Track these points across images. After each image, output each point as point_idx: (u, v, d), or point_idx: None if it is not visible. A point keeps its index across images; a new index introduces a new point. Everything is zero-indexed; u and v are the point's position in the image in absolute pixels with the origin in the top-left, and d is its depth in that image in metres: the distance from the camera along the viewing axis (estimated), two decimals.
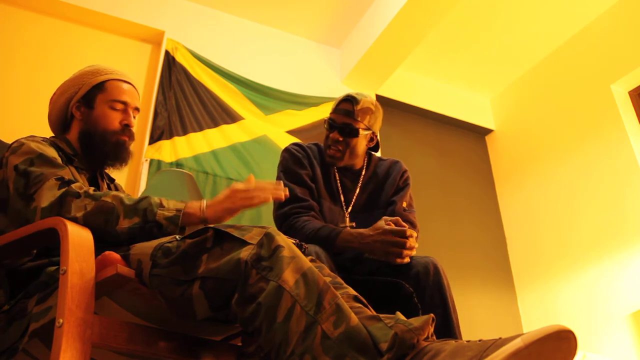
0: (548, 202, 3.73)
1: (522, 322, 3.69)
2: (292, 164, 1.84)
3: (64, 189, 1.17)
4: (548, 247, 3.65)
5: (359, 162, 1.91)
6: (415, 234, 1.57)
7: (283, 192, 1.26)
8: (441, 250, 3.66)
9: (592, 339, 3.17)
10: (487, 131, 4.41)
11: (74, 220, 1.12)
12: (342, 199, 1.86)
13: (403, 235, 1.55)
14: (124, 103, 1.46)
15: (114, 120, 1.44)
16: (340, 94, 3.69)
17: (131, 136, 1.47)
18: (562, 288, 3.47)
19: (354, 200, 1.87)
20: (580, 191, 3.52)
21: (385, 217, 1.62)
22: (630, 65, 3.38)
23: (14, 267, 1.22)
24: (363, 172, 1.91)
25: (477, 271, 3.77)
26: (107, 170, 1.53)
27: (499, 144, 4.32)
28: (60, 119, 1.48)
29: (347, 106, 1.81)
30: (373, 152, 1.98)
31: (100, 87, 1.45)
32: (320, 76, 3.81)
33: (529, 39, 3.88)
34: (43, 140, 1.37)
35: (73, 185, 1.19)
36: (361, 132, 1.80)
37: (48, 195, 1.16)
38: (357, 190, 1.88)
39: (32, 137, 1.35)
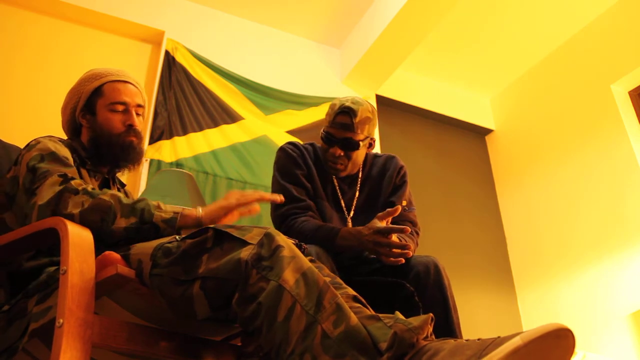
0: (548, 202, 3.73)
1: (522, 323, 3.69)
2: (287, 163, 1.81)
3: (63, 186, 1.18)
4: (548, 247, 3.66)
5: (358, 167, 1.88)
6: (408, 230, 1.53)
7: (278, 197, 1.28)
8: (441, 250, 3.67)
9: (592, 339, 3.17)
10: (487, 131, 4.42)
11: (70, 217, 1.12)
12: (343, 204, 1.83)
13: (392, 232, 1.53)
14: (124, 103, 1.45)
15: (117, 122, 1.44)
16: (340, 94, 3.73)
17: (137, 135, 1.47)
18: (562, 288, 3.47)
19: (354, 203, 1.84)
20: (580, 191, 3.52)
21: (378, 215, 1.60)
22: (630, 65, 3.39)
23: (15, 267, 1.22)
24: (360, 175, 1.88)
25: (477, 271, 3.77)
26: (119, 174, 1.53)
27: (499, 144, 4.32)
28: (71, 127, 1.50)
29: (346, 119, 1.73)
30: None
31: (98, 92, 1.45)
32: (320, 76, 3.81)
33: (529, 39, 3.89)
34: (60, 141, 1.38)
35: (73, 182, 1.19)
36: (361, 143, 1.76)
37: (48, 191, 1.17)
38: (357, 194, 1.85)
39: (50, 137, 1.37)
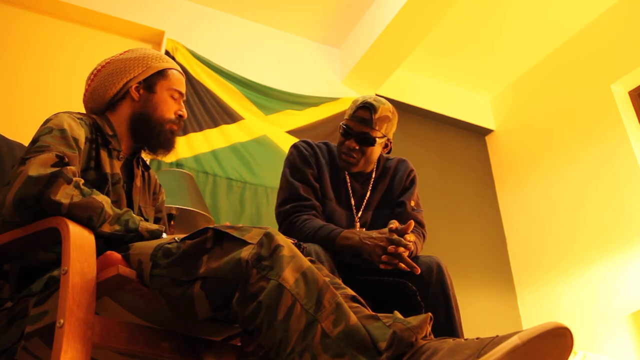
0: (548, 202, 3.73)
1: (522, 323, 3.69)
2: (298, 161, 1.83)
3: (57, 168, 1.13)
4: (548, 247, 3.66)
5: (372, 166, 1.90)
6: (412, 239, 1.54)
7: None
8: (441, 250, 3.66)
9: (593, 339, 3.17)
10: (487, 131, 4.42)
11: (58, 205, 1.09)
12: (353, 202, 1.85)
13: (400, 244, 1.52)
14: (181, 94, 1.49)
15: (172, 108, 1.47)
16: (340, 94, 3.73)
17: (181, 127, 1.51)
18: (562, 288, 3.47)
19: (364, 203, 1.86)
20: (580, 191, 3.52)
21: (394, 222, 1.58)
22: (630, 65, 3.39)
23: (27, 260, 1.19)
24: (373, 175, 1.90)
25: (477, 271, 3.77)
26: (149, 156, 1.51)
27: (499, 144, 4.33)
28: (109, 96, 1.44)
29: (365, 114, 1.76)
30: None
31: (163, 74, 1.46)
32: (320, 76, 3.81)
33: (529, 39, 3.89)
34: (80, 118, 1.34)
35: (68, 168, 1.15)
36: (378, 140, 1.78)
37: (39, 167, 1.12)
38: (368, 194, 1.87)
39: (69, 112, 1.33)
